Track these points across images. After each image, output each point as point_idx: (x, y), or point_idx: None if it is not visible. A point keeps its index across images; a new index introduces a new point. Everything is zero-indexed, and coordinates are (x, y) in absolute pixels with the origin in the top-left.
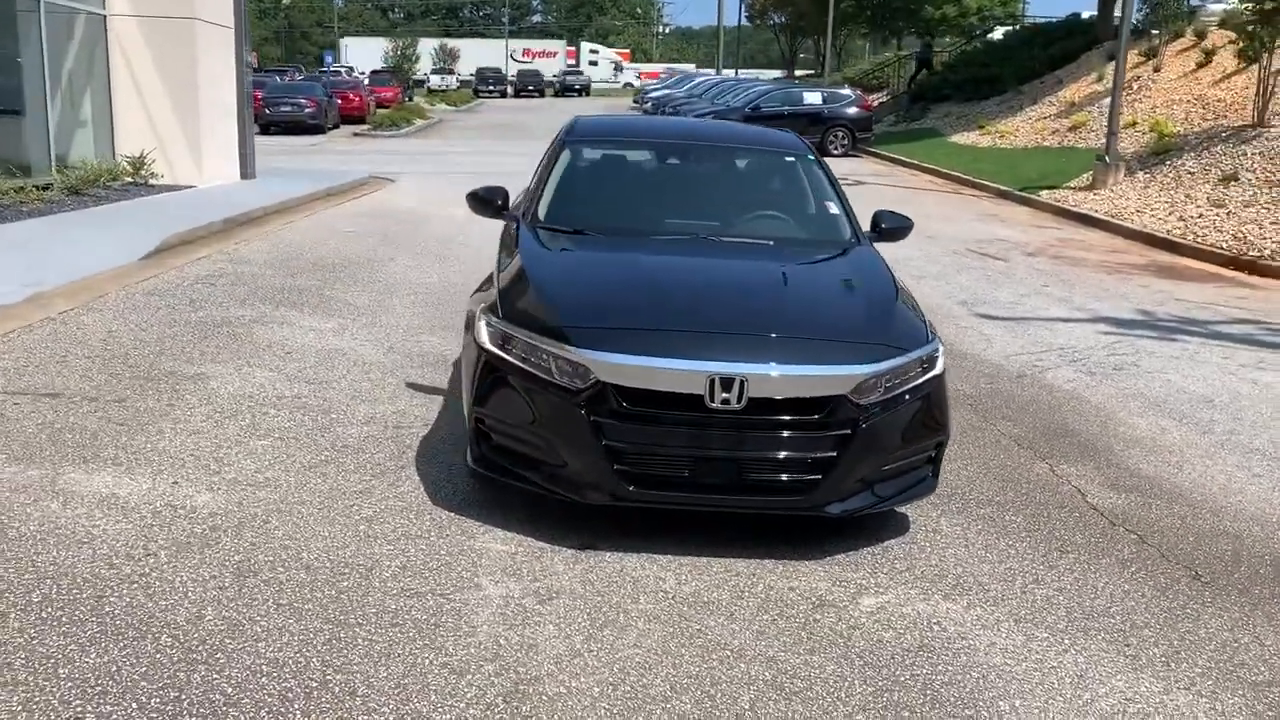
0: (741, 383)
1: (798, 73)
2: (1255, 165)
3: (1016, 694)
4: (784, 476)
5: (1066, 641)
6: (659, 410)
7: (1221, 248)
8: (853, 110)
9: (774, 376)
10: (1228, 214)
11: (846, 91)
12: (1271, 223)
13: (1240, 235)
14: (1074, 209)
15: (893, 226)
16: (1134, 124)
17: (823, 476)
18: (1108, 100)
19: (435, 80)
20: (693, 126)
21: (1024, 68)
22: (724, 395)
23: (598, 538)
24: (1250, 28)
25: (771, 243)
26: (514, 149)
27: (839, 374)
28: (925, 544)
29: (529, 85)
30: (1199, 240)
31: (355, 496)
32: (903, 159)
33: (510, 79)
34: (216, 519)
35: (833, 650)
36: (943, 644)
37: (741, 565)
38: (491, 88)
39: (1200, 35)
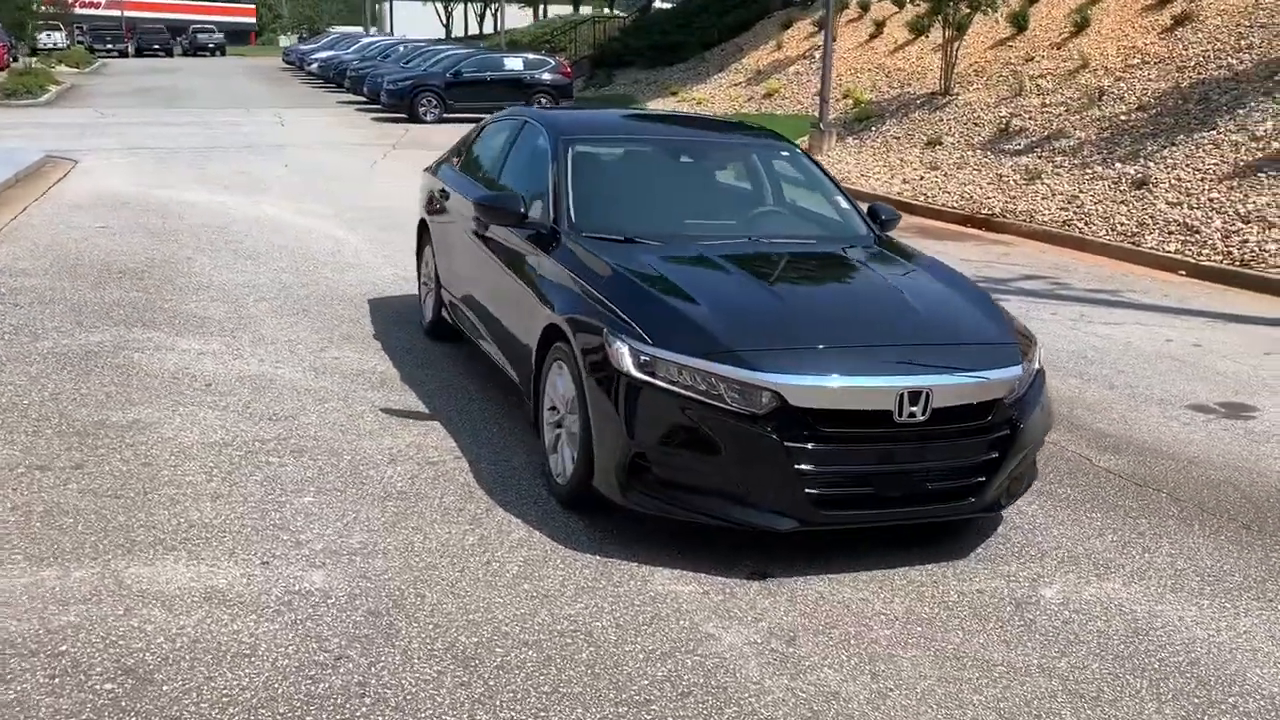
0: (927, 394)
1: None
2: (953, 130)
3: (1250, 664)
4: (959, 482)
5: (1229, 606)
6: (848, 429)
7: (954, 207)
8: (554, 76)
9: (954, 385)
10: (945, 175)
11: (547, 58)
12: (987, 181)
13: (965, 195)
14: None
15: (889, 219)
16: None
17: (988, 477)
18: (794, 69)
19: (43, 38)
20: (676, 122)
21: (705, 35)
22: (911, 409)
23: (760, 564)
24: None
25: (814, 241)
26: (190, 118)
27: (1003, 377)
28: (1025, 527)
29: (154, 44)
30: (930, 201)
31: (478, 551)
32: None
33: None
34: (361, 599)
35: (1078, 648)
36: (1148, 627)
37: (913, 573)
38: (110, 46)
39: (865, 7)
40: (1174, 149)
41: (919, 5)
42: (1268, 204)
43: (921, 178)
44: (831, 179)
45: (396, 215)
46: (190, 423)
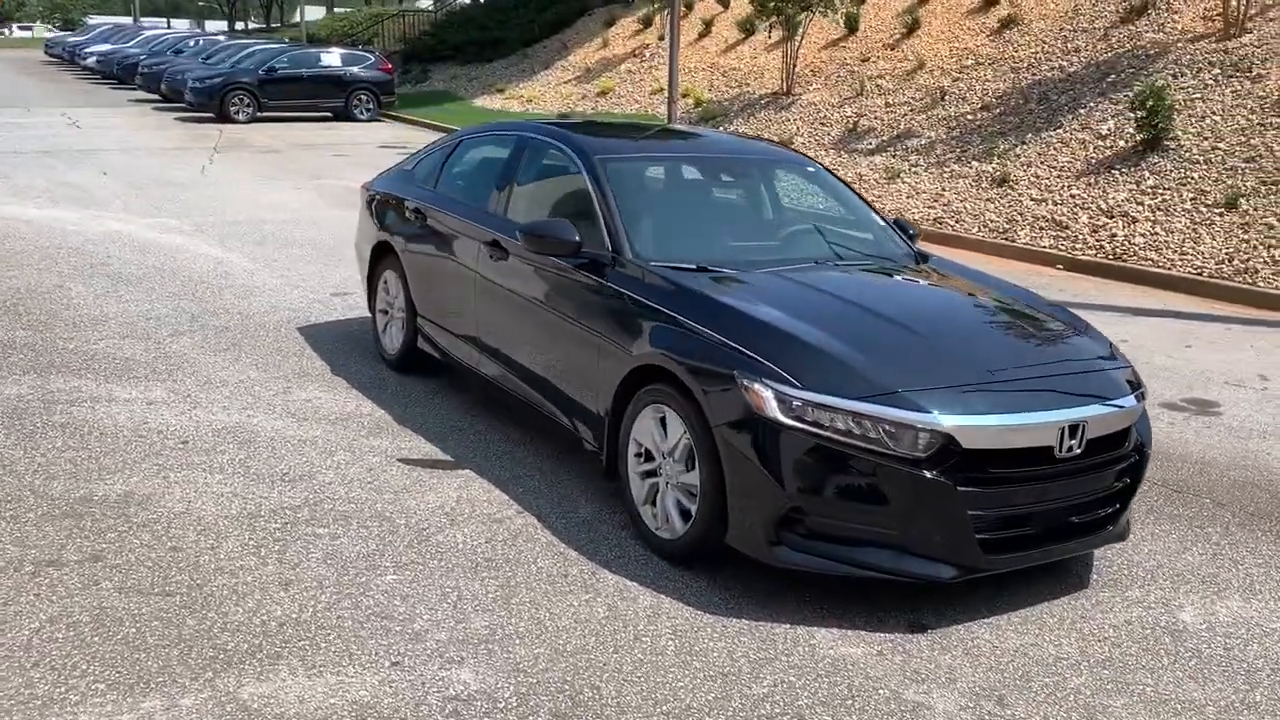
0: (1083, 427)
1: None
2: (802, 130)
3: None
4: (1098, 513)
5: None
6: (1014, 469)
7: None
8: (375, 73)
9: (1104, 415)
10: None
11: (365, 53)
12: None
13: None
14: None
15: (914, 233)
16: (661, 90)
17: (1122, 505)
18: (625, 67)
19: None
20: (689, 136)
21: (526, 31)
22: (1070, 442)
23: (911, 614)
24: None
25: (873, 261)
26: None
27: (1135, 402)
28: (1114, 546)
29: None
30: None
31: (617, 625)
32: (440, 125)
33: None
34: (534, 700)
35: (1259, 677)
36: None
37: (1052, 609)
38: None
39: (689, 6)
40: (1025, 147)
41: (754, 5)
42: (1126, 199)
43: None
44: (856, 192)
45: (265, 228)
46: (194, 491)
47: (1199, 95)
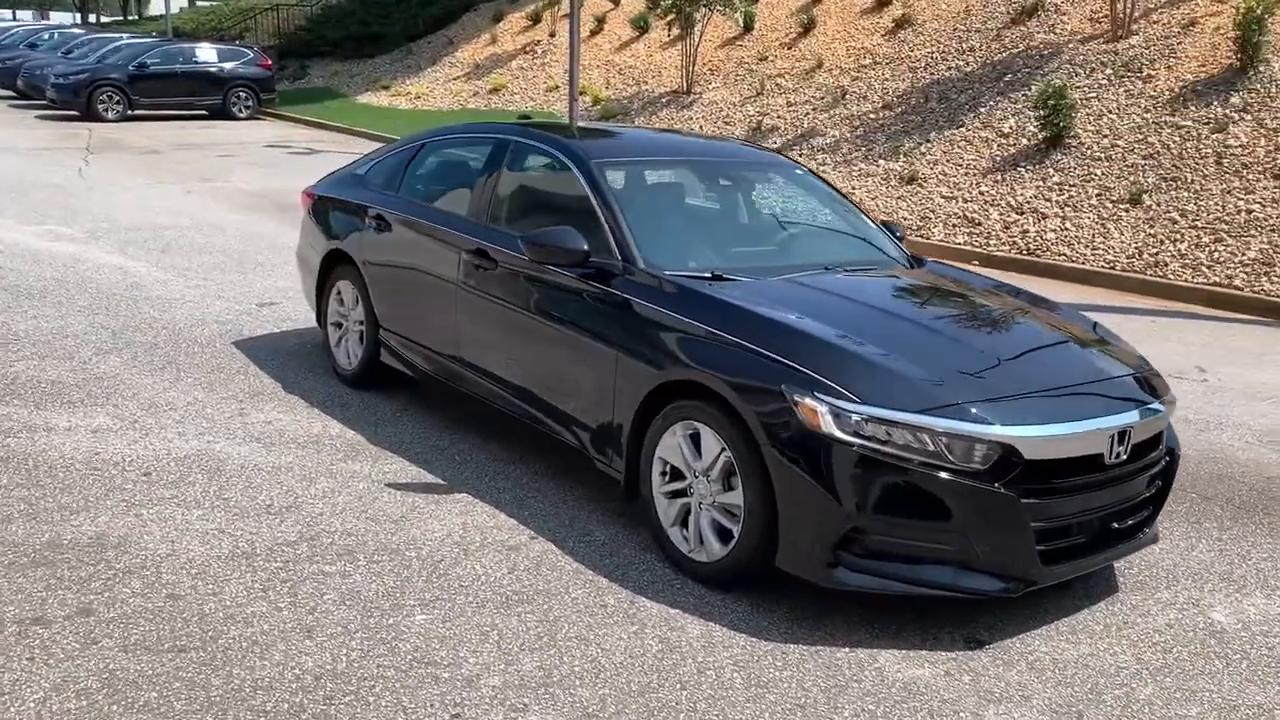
0: (1129, 433)
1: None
2: (706, 128)
3: None
4: (1136, 517)
5: None
6: (1069, 478)
7: None
8: (254, 69)
9: (1146, 420)
10: None
11: (243, 48)
12: None
13: None
14: None
15: (901, 235)
16: (557, 88)
17: (1155, 508)
18: (516, 63)
19: None
20: (685, 141)
21: (409, 26)
22: (1118, 449)
23: (965, 630)
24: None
25: (881, 266)
26: None
27: (1167, 406)
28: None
29: None
30: None
31: (675, 659)
32: (326, 123)
33: None
34: None
35: None
36: None
37: (1094, 616)
38: None
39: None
40: (930, 146)
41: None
42: (1034, 196)
43: None
44: (841, 194)
45: (166, 235)
46: (175, 530)
47: (1094, 95)
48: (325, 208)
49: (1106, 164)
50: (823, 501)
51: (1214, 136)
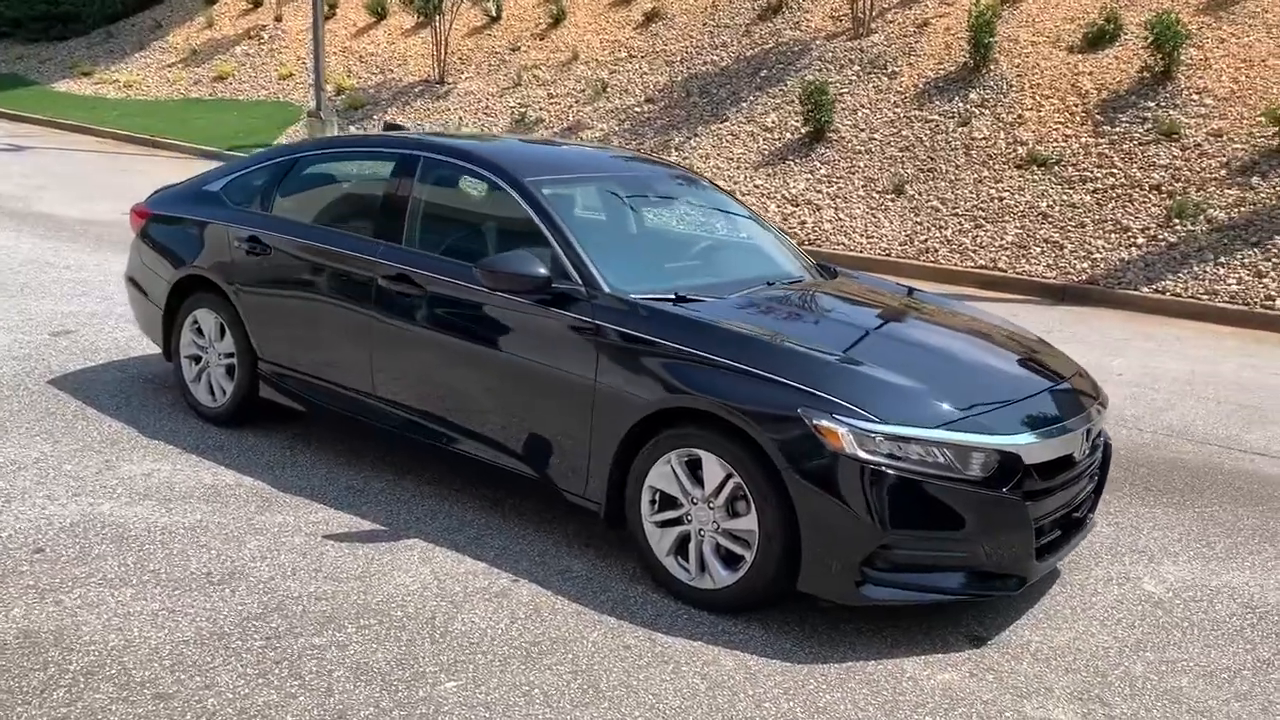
0: (1091, 430)
1: None
2: (467, 120)
3: None
4: (1086, 506)
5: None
6: (1054, 478)
7: None
8: None
9: (1098, 418)
10: None
11: None
12: None
13: None
14: None
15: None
16: (291, 75)
17: (1097, 495)
18: (240, 49)
19: None
20: (594, 155)
21: (108, 6)
22: (1085, 446)
23: (961, 626)
24: None
25: (808, 278)
26: None
27: (1105, 404)
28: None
29: None
30: None
31: (729, 698)
32: (24, 115)
33: None
34: None
35: (1241, 639)
36: (1261, 602)
37: (1059, 600)
38: None
39: None
40: (699, 140)
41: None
42: (806, 188)
43: None
44: (742, 204)
45: None
46: (113, 615)
47: (846, 90)
48: (170, 228)
49: (867, 156)
50: (850, 521)
51: (960, 130)
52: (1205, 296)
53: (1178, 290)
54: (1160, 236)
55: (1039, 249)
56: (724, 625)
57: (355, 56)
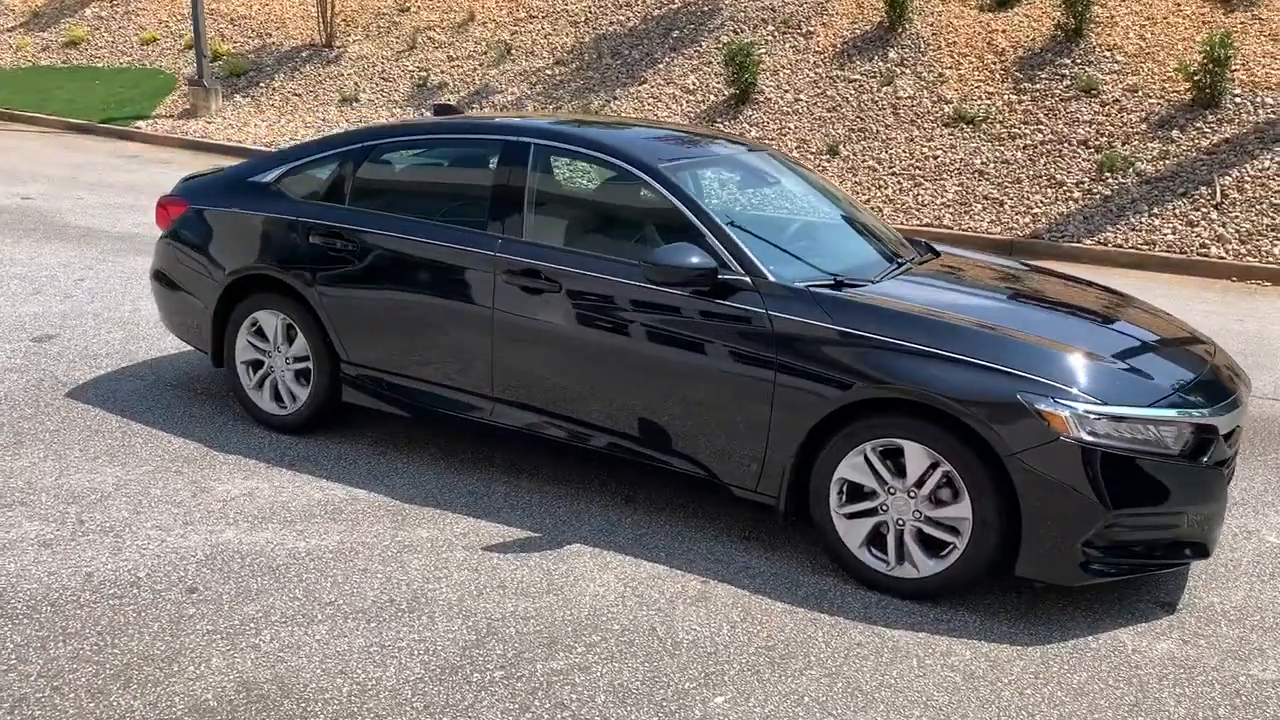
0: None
1: None
2: (364, 85)
3: None
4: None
5: None
6: (1232, 448)
7: None
8: None
9: (1246, 387)
10: None
11: None
12: None
13: None
14: (213, 141)
15: None
16: (154, 40)
17: None
18: (91, 10)
19: None
20: (689, 133)
21: None
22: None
23: (1143, 594)
24: None
25: (923, 259)
26: None
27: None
28: None
29: None
30: None
31: (990, 687)
32: None
33: None
34: None
35: None
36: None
37: None
38: None
39: None
40: (618, 102)
41: None
42: None
43: None
44: (822, 179)
45: None
46: (319, 657)
47: (764, 50)
48: (219, 224)
49: (796, 118)
50: (1075, 503)
51: (885, 89)
52: (1145, 247)
53: (1119, 241)
54: (1094, 190)
55: (980, 206)
56: (933, 614)
57: (225, 19)
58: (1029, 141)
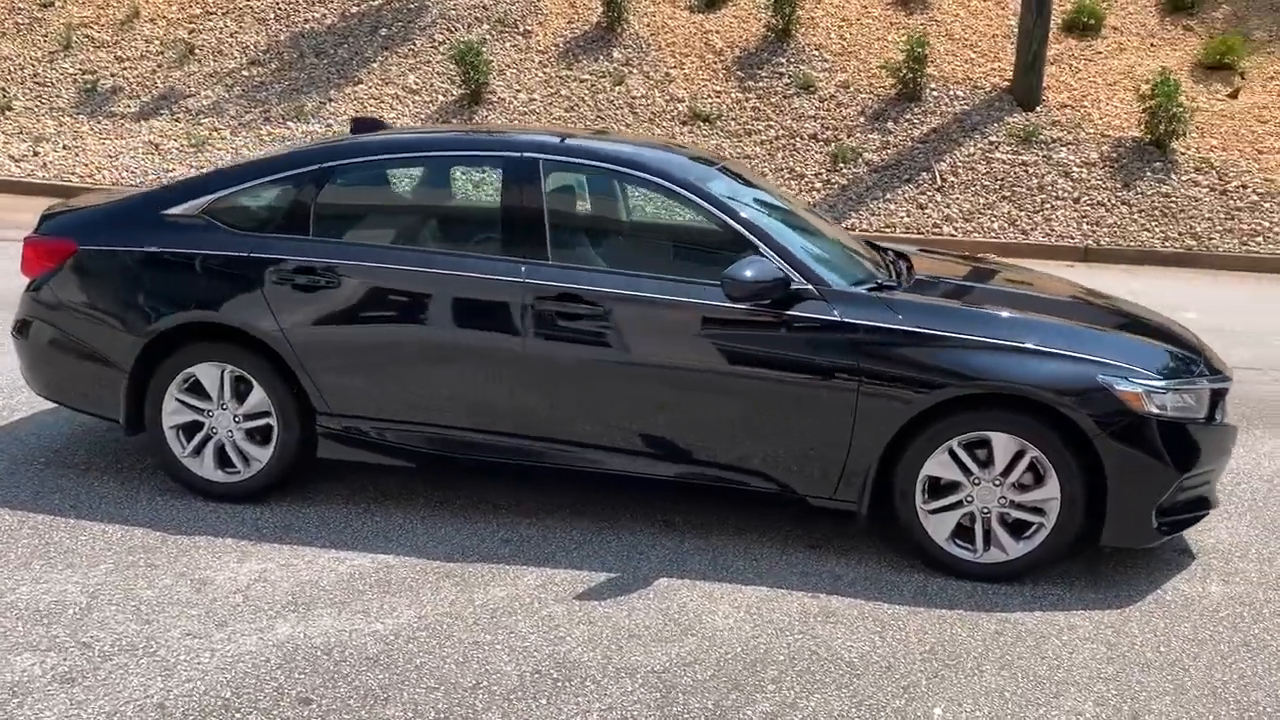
0: None
1: None
2: (17, 91)
3: None
4: None
5: None
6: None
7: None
8: None
9: None
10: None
11: None
12: (143, 152)
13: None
14: None
15: None
16: None
17: None
18: None
19: None
20: (670, 144)
21: None
22: None
23: (1174, 546)
24: None
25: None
26: None
27: None
28: None
29: None
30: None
31: (1150, 648)
32: None
33: None
34: None
35: None
36: None
37: None
38: None
39: None
40: (335, 105)
41: None
42: None
43: (36, 154)
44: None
45: None
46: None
47: (484, 48)
48: (128, 267)
49: (533, 117)
50: (1153, 471)
51: (618, 89)
52: (887, 229)
53: (864, 226)
54: (833, 180)
55: None
56: (1025, 595)
57: None
58: (764, 137)
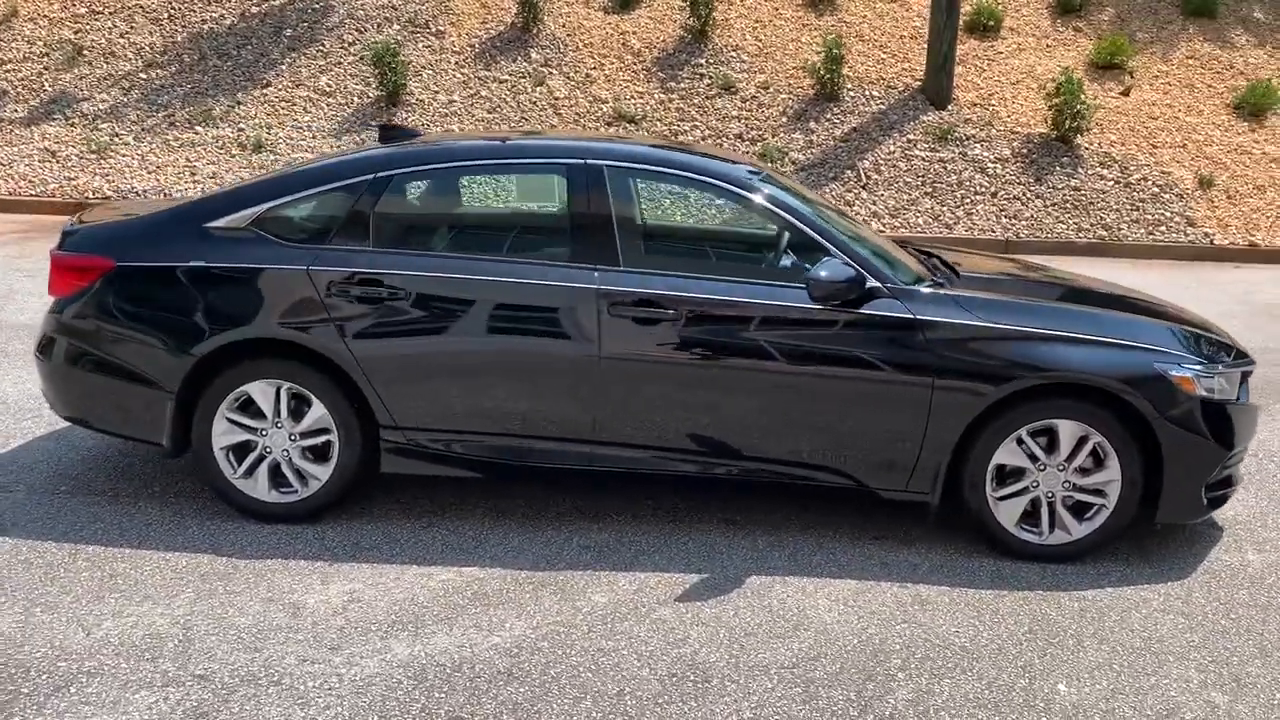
0: None
1: None
2: None
3: None
4: None
5: None
6: None
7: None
8: None
9: None
10: None
11: None
12: (38, 160)
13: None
14: None
15: None
16: None
17: None
18: None
19: None
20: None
21: None
22: None
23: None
24: None
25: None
26: None
27: None
28: None
29: None
30: None
31: (1181, 627)
32: None
33: None
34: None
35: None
36: None
37: None
38: None
39: None
40: (245, 106)
41: None
42: None
43: None
44: None
45: None
46: None
47: (398, 49)
48: (175, 284)
49: (455, 119)
50: (1206, 451)
51: (539, 90)
52: None
53: None
54: None
55: (668, 200)
56: (1088, 574)
57: None
58: (691, 138)
